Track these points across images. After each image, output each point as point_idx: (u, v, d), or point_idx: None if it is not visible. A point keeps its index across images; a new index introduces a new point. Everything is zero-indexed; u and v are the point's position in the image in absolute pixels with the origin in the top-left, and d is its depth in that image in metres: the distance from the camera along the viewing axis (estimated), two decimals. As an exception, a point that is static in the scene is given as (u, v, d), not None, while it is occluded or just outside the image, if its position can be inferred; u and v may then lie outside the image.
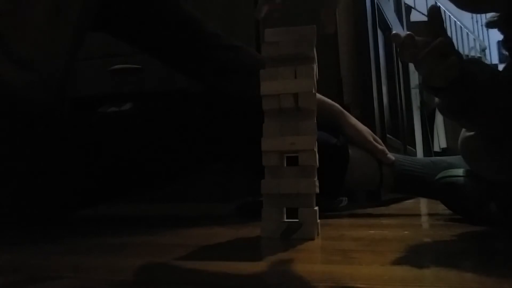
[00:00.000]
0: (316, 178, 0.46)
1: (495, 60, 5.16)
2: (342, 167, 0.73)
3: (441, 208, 0.77)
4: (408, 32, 0.52)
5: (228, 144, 0.71)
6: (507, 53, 0.58)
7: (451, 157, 0.77)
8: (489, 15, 0.59)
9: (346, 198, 0.92)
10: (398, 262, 0.35)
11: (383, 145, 0.79)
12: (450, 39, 0.51)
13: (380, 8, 1.54)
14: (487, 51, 3.96)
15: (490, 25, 0.57)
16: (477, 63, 0.58)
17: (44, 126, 0.67)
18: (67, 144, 0.68)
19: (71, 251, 0.43)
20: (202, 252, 0.41)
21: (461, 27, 4.09)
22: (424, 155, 3.68)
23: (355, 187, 0.91)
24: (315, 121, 0.47)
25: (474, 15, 4.80)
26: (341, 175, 0.72)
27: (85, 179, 0.69)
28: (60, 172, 0.68)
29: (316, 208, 0.46)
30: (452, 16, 4.22)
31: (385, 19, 1.64)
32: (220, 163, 0.78)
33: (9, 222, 0.67)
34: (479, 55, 3.61)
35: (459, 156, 0.76)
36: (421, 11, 4.43)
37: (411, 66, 2.79)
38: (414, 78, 3.54)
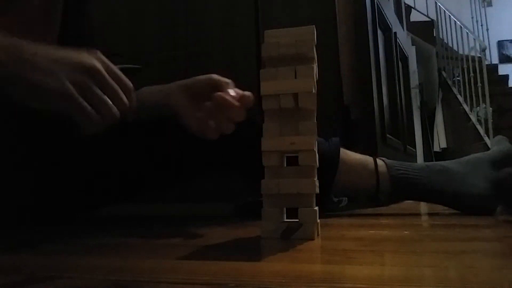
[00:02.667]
0: (316, 178, 0.46)
1: (495, 60, 5.17)
2: (332, 173, 0.72)
3: (441, 208, 0.77)
4: None
5: (223, 152, 0.71)
6: None
7: (446, 161, 0.77)
8: None
9: (346, 198, 0.92)
10: (398, 262, 0.35)
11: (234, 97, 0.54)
12: None
13: (380, 8, 1.54)
14: (487, 51, 3.95)
15: None
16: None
17: (51, 128, 0.67)
18: (74, 146, 0.67)
19: (71, 251, 0.43)
20: (202, 252, 0.41)
21: (461, 27, 4.09)
22: (424, 155, 3.68)
23: (352, 193, 0.91)
24: (315, 121, 0.47)
25: (474, 14, 4.80)
26: (330, 181, 0.72)
27: (94, 182, 0.70)
28: (69, 173, 0.68)
29: (316, 208, 0.46)
30: (452, 16, 4.22)
31: (385, 19, 1.64)
32: (216, 171, 0.78)
33: (17, 222, 0.67)
34: (479, 55, 3.61)
35: (455, 160, 0.76)
36: (421, 11, 4.44)
37: (411, 66, 2.77)
38: (414, 78, 3.55)
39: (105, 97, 0.45)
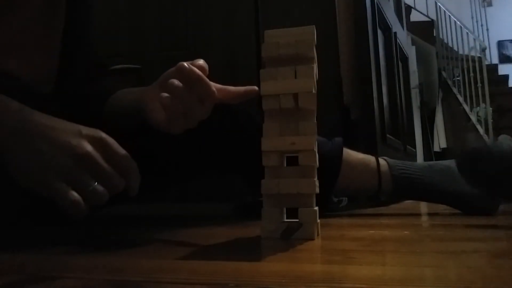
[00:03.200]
0: (316, 178, 0.46)
1: (495, 60, 5.17)
2: (334, 175, 0.72)
3: (441, 208, 0.77)
4: None
5: (224, 151, 0.71)
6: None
7: (447, 160, 0.77)
8: None
9: (346, 198, 0.92)
10: (398, 262, 0.35)
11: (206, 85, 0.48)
12: None
13: (380, 8, 1.54)
14: (487, 51, 3.96)
15: None
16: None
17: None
18: None
19: (71, 251, 0.43)
20: (202, 252, 0.41)
21: (461, 27, 4.09)
22: (424, 155, 3.68)
23: (354, 194, 0.91)
24: (315, 121, 0.47)
25: (473, 14, 4.81)
26: (332, 182, 0.72)
27: None
28: None
29: (316, 208, 0.46)
30: (452, 16, 4.22)
31: (385, 19, 1.64)
32: (217, 171, 0.78)
33: (16, 223, 0.67)
34: (479, 55, 3.61)
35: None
36: (421, 11, 4.44)
37: (411, 66, 2.77)
38: (414, 78, 3.55)
39: (90, 186, 0.43)
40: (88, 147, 0.44)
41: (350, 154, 0.75)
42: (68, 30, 0.68)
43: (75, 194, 0.42)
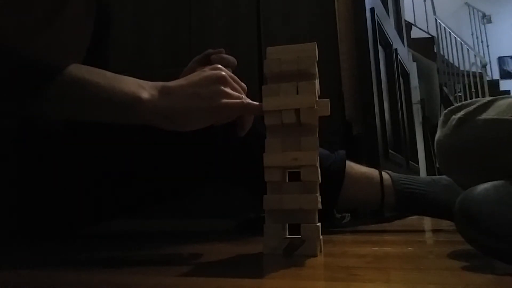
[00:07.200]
0: (318, 194, 0.46)
1: (496, 75, 5.20)
2: (337, 188, 0.71)
3: (445, 224, 0.76)
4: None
5: (231, 166, 0.71)
6: None
7: None
8: None
9: (349, 214, 0.91)
10: (402, 279, 0.34)
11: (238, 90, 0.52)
12: None
13: (380, 25, 1.56)
14: (487, 67, 3.98)
15: None
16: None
17: (50, 142, 0.67)
18: (74, 162, 0.67)
19: (73, 268, 0.43)
20: (204, 269, 0.40)
21: (461, 43, 4.13)
22: (427, 171, 3.67)
23: (357, 207, 0.90)
24: (317, 136, 0.47)
25: (474, 31, 4.86)
26: (335, 196, 0.71)
27: (93, 196, 0.69)
28: (67, 188, 0.68)
29: (319, 224, 0.45)
30: (452, 33, 4.26)
31: (386, 35, 1.65)
32: (224, 185, 0.78)
33: (17, 238, 0.66)
34: (480, 71, 3.63)
35: None
36: (421, 27, 4.49)
37: (413, 81, 2.78)
38: (416, 94, 3.56)
39: (236, 93, 0.51)
40: (220, 72, 0.51)
41: (353, 167, 0.75)
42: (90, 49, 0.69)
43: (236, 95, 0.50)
